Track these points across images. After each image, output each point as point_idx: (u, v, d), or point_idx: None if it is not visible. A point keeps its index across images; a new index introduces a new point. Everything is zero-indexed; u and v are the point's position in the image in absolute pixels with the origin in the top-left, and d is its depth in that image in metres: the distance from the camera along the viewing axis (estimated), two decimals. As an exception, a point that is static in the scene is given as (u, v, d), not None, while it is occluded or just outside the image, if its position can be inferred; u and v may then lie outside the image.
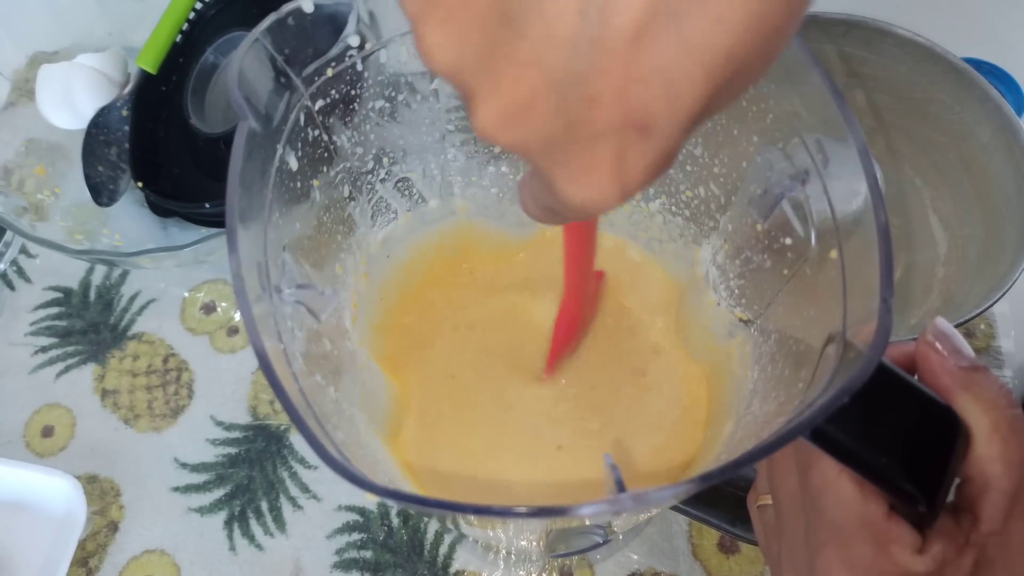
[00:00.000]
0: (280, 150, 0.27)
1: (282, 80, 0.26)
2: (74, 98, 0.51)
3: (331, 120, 0.30)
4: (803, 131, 0.27)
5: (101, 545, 0.45)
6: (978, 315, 0.40)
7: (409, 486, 0.31)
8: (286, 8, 0.26)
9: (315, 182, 0.30)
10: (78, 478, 0.44)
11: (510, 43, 0.15)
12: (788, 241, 0.28)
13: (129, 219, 0.52)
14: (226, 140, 0.49)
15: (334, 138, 0.31)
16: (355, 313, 0.34)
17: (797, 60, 0.25)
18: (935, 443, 0.24)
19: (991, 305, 0.40)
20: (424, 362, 0.37)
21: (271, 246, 0.25)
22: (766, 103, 0.28)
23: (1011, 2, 0.59)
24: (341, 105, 0.30)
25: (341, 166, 0.32)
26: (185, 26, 0.52)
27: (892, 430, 0.24)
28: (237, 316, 0.51)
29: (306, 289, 0.27)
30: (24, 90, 0.53)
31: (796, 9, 0.16)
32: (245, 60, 0.24)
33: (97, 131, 0.51)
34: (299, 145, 0.28)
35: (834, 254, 0.25)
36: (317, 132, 0.29)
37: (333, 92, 0.29)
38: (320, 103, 0.29)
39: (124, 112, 0.52)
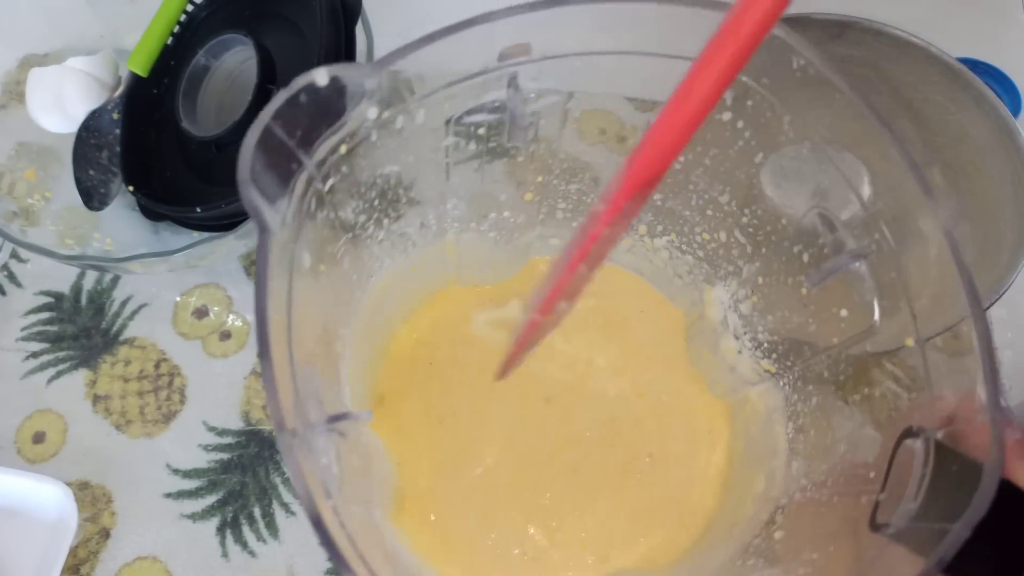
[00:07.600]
0: (293, 248, 0.24)
1: (293, 166, 0.23)
2: (65, 101, 0.51)
3: (338, 196, 0.27)
4: (869, 206, 0.24)
5: (93, 552, 0.44)
6: (974, 318, 0.39)
7: (414, 557, 0.29)
8: (298, 84, 0.22)
9: (322, 267, 0.27)
10: (69, 484, 0.43)
11: None
12: (843, 312, 0.25)
13: (121, 223, 0.51)
14: (218, 143, 0.48)
15: (340, 213, 0.28)
16: (353, 387, 0.32)
17: (870, 128, 0.23)
18: None
19: (987, 308, 0.39)
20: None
21: (297, 363, 0.22)
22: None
23: (1007, 2, 0.58)
24: (350, 177, 0.27)
25: (343, 238, 0.30)
26: (176, 28, 0.52)
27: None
28: (230, 320, 0.51)
29: (342, 420, 0.24)
30: (14, 93, 0.53)
31: None
32: (256, 151, 0.21)
33: (88, 135, 0.51)
34: (312, 239, 0.25)
35: (910, 342, 0.22)
36: (326, 212, 0.26)
37: (344, 168, 0.26)
38: (331, 182, 0.26)
39: (115, 115, 0.52)
